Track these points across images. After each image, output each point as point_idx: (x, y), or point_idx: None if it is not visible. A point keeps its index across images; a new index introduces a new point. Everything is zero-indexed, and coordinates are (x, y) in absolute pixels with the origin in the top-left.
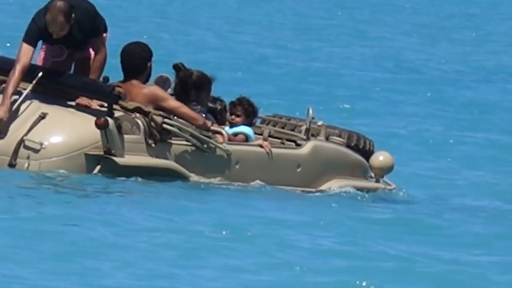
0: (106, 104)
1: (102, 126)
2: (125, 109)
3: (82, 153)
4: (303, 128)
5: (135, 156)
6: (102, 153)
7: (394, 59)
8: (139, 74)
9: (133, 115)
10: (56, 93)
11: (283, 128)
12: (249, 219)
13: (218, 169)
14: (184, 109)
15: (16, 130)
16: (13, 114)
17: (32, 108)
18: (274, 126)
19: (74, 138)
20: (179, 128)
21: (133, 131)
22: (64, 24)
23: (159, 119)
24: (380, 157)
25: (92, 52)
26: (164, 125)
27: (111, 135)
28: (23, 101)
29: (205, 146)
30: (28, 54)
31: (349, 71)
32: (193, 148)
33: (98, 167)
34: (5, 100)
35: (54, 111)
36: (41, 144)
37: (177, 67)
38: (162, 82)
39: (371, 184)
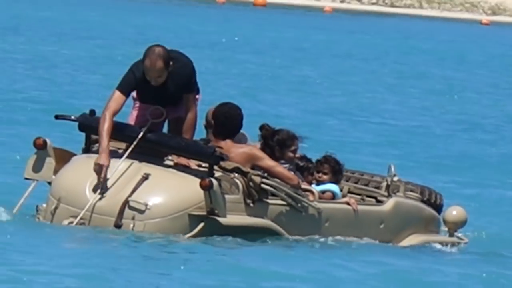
0: (205, 164)
1: (207, 187)
2: (223, 169)
3: (186, 213)
4: (384, 184)
5: (235, 216)
6: (204, 213)
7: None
8: (236, 134)
9: (232, 175)
10: (155, 153)
11: (356, 183)
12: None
13: (310, 228)
14: (279, 168)
15: (119, 191)
16: (115, 175)
17: (134, 169)
18: (347, 180)
19: (178, 199)
20: (276, 188)
21: (232, 191)
22: (163, 70)
23: (257, 179)
24: (453, 212)
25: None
26: (262, 185)
27: (215, 195)
28: (123, 162)
29: (298, 205)
30: (120, 102)
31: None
32: (287, 207)
33: (200, 227)
34: (102, 148)
35: (156, 172)
36: (146, 205)
37: (262, 127)
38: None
39: (446, 238)
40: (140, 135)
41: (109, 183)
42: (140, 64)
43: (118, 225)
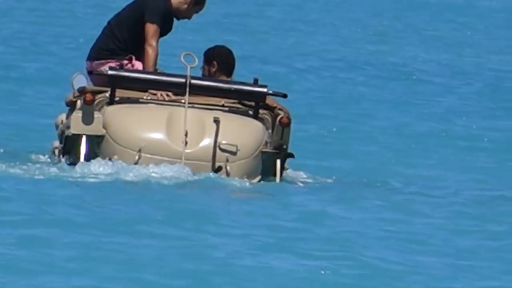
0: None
1: (287, 124)
2: (249, 107)
3: (260, 151)
4: None
5: None
6: (270, 150)
7: None
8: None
9: (261, 111)
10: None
11: None
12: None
13: None
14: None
15: (201, 136)
16: (181, 122)
17: (195, 114)
18: None
19: (255, 138)
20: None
21: (267, 127)
22: None
23: (281, 113)
24: None
25: None
26: (282, 119)
27: (288, 132)
28: (175, 109)
29: None
30: (158, 36)
31: None
32: None
33: (279, 164)
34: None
35: (220, 115)
36: (236, 146)
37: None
38: None
39: None
40: (188, 81)
41: (182, 130)
42: None
43: (218, 169)
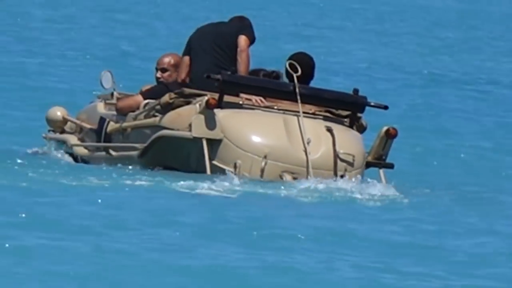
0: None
1: (394, 136)
2: (338, 115)
3: (365, 161)
4: None
5: None
6: (372, 160)
7: None
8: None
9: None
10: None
11: None
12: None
13: None
14: None
15: (321, 144)
16: (297, 129)
17: (310, 124)
18: None
19: (362, 148)
20: None
21: None
22: None
23: (365, 122)
24: None
25: None
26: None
27: (390, 143)
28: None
29: None
30: None
31: None
32: None
33: (382, 173)
34: None
35: (330, 124)
36: (353, 156)
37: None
38: None
39: None
40: (297, 90)
41: (301, 138)
42: None
43: (341, 177)
